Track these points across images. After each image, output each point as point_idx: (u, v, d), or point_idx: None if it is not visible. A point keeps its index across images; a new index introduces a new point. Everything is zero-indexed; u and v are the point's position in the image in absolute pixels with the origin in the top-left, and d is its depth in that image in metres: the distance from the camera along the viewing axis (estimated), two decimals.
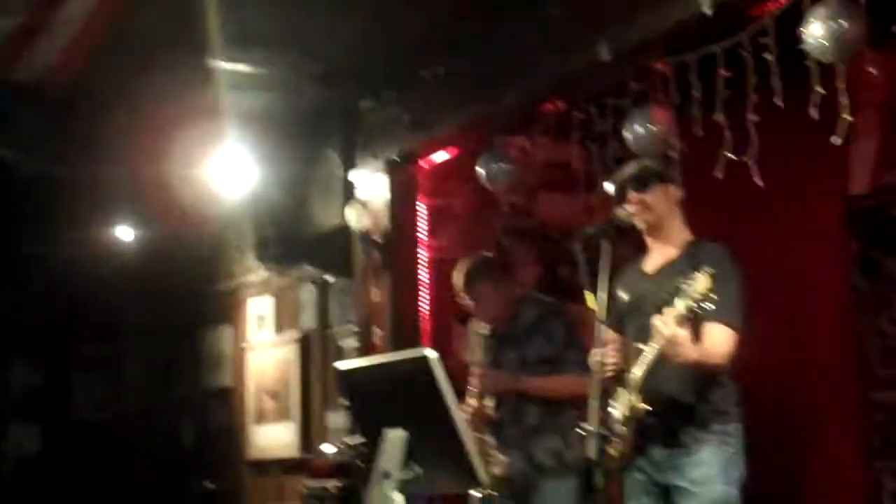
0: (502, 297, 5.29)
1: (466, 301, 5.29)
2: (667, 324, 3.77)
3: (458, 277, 5.30)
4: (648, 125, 5.20)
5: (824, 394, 6.32)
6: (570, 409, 5.17)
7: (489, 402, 5.22)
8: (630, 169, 4.30)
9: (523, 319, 5.27)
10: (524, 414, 5.18)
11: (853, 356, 6.27)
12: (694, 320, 3.84)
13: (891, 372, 6.12)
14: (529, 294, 5.47)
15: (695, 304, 3.68)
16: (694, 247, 4.22)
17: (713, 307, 3.70)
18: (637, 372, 4.04)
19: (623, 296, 4.26)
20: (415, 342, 6.29)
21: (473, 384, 5.18)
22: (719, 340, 3.99)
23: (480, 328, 5.32)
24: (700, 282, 3.67)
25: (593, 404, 3.79)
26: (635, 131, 5.24)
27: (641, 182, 4.23)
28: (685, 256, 4.19)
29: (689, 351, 3.83)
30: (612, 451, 4.15)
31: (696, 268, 4.03)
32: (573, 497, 5.14)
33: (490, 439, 5.26)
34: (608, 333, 4.11)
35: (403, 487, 3.54)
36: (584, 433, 3.81)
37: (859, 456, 6.18)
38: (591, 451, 3.72)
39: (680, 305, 3.73)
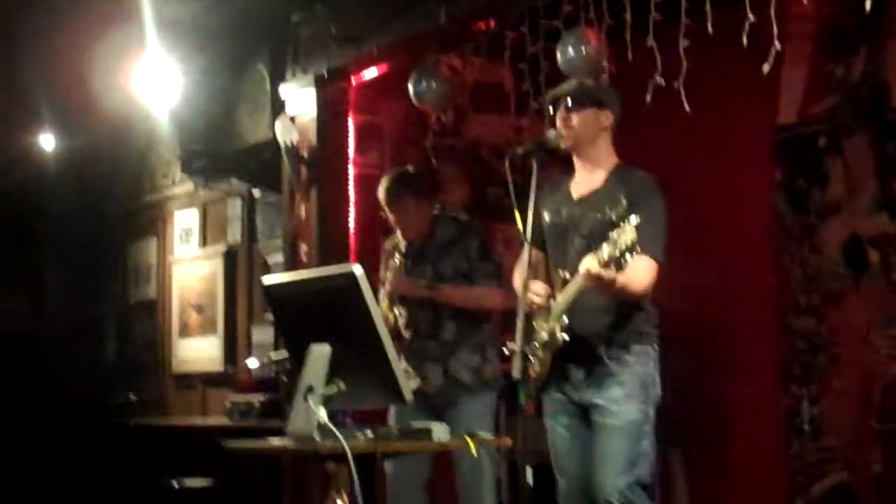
0: (423, 213, 5.31)
1: (387, 214, 5.30)
2: (592, 267, 3.82)
3: (381, 190, 5.30)
4: (580, 47, 5.20)
5: (746, 320, 6.42)
6: (487, 326, 5.23)
7: (399, 312, 5.24)
8: (566, 86, 4.30)
9: (439, 237, 5.30)
10: (442, 328, 5.22)
11: (775, 283, 6.37)
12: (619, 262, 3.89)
13: (811, 299, 6.23)
14: (445, 213, 5.50)
15: (618, 255, 3.72)
16: (621, 174, 4.23)
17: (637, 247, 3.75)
18: (559, 301, 4.08)
19: (547, 219, 4.27)
20: (341, 259, 6.29)
21: (385, 289, 5.21)
22: (642, 272, 4.04)
23: (397, 241, 5.34)
24: (628, 233, 3.71)
25: (518, 324, 3.82)
26: (567, 53, 5.24)
27: (575, 101, 4.23)
28: (611, 184, 4.20)
29: (611, 281, 3.88)
30: (531, 372, 4.19)
31: (622, 197, 4.07)
32: (490, 412, 5.21)
33: (403, 351, 5.29)
34: (534, 254, 4.13)
35: (327, 402, 3.56)
36: (508, 352, 3.85)
37: (778, 381, 6.31)
38: (516, 370, 3.75)
39: (605, 253, 3.77)
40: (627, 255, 3.71)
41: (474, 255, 5.23)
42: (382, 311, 5.21)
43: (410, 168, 5.62)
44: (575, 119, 4.22)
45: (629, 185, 4.14)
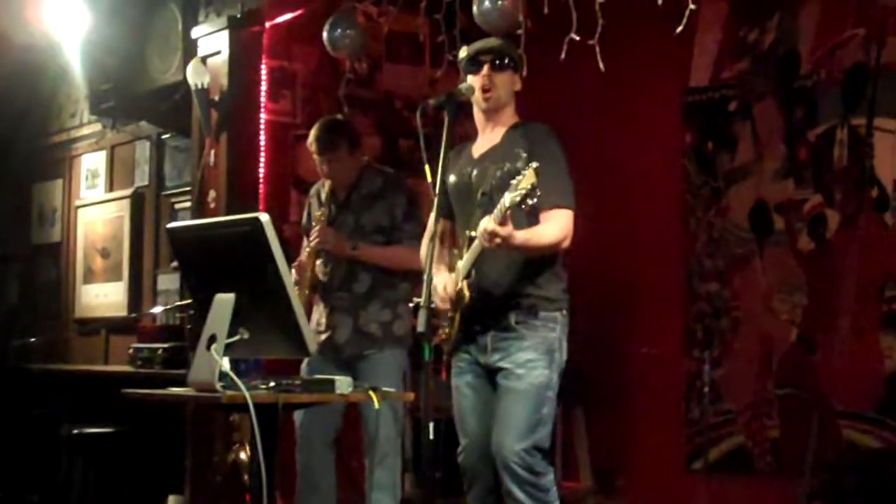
0: (354, 163, 5.25)
1: (318, 162, 5.22)
2: (486, 225, 3.80)
3: (313, 138, 5.21)
4: (497, 0, 5.16)
5: (654, 282, 6.48)
6: (402, 283, 5.20)
7: (320, 264, 5.20)
8: (491, 42, 4.26)
9: (364, 188, 5.24)
10: (356, 280, 5.17)
11: (681, 246, 6.43)
12: (528, 214, 3.87)
13: (715, 263, 6.30)
14: (373, 164, 5.43)
15: (519, 199, 3.70)
16: (518, 128, 4.22)
17: (540, 196, 3.72)
18: (464, 261, 4.06)
19: (451, 179, 4.24)
20: (250, 207, 6.20)
21: (309, 242, 5.15)
22: (550, 224, 4.02)
23: (324, 190, 5.28)
24: (527, 178, 3.69)
25: (426, 279, 3.79)
26: (483, 6, 5.19)
27: (499, 61, 4.19)
28: (509, 138, 4.19)
29: (511, 236, 3.85)
30: (442, 333, 4.19)
31: (520, 149, 4.05)
32: (399, 369, 5.18)
33: (316, 303, 5.26)
34: (441, 221, 4.10)
35: (230, 351, 3.52)
36: (413, 306, 3.82)
37: (681, 344, 6.38)
38: (421, 324, 3.73)
39: (506, 201, 3.75)
40: (529, 200, 3.70)
41: (399, 214, 5.17)
42: (304, 262, 5.15)
43: (341, 116, 5.55)
44: (499, 79, 4.19)
45: (526, 137, 4.14)
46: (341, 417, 5.27)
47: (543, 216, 4.02)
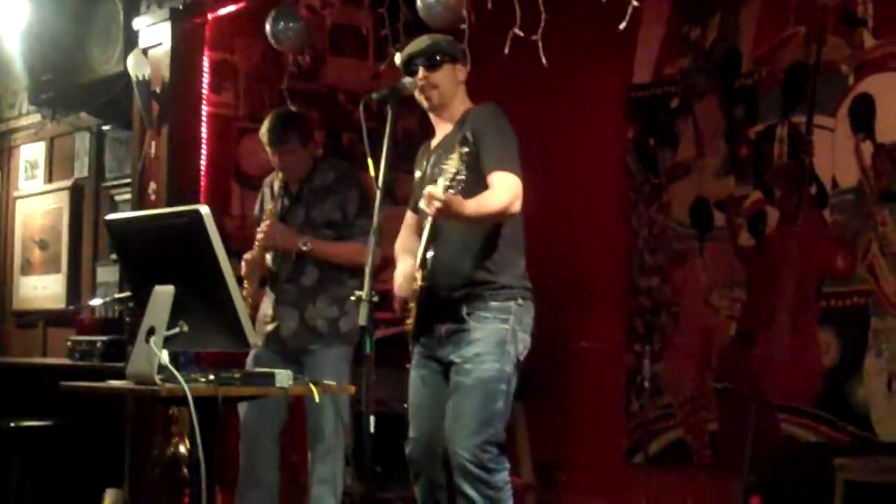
0: (306, 155, 5.22)
1: (271, 155, 5.18)
2: (431, 193, 3.80)
3: (265, 130, 5.18)
4: None
5: (595, 277, 6.51)
6: (350, 279, 5.18)
7: (269, 257, 5.17)
8: (420, 45, 4.23)
9: (317, 181, 5.22)
10: (303, 273, 5.15)
11: (623, 242, 6.46)
12: (473, 182, 3.89)
13: (656, 259, 6.34)
14: (327, 157, 5.41)
15: (451, 179, 3.74)
16: (466, 113, 4.23)
17: (484, 163, 3.77)
18: (419, 250, 4.05)
19: (417, 174, 4.28)
20: (191, 199, 6.16)
21: (259, 236, 5.11)
22: (495, 189, 4.01)
23: (276, 183, 5.25)
24: (455, 159, 3.73)
25: (368, 272, 3.78)
26: (427, 0, 5.20)
27: (431, 61, 4.18)
28: (459, 125, 4.20)
29: (461, 206, 3.85)
30: (406, 324, 4.19)
31: (468, 133, 4.06)
32: (346, 364, 5.17)
33: (267, 295, 5.23)
34: (409, 216, 4.12)
35: (169, 344, 3.50)
36: (354, 299, 3.80)
37: (622, 339, 6.41)
38: (363, 317, 3.71)
39: (440, 183, 3.77)
40: (460, 176, 3.74)
41: (352, 209, 5.15)
42: (254, 256, 5.11)
43: (294, 108, 5.54)
44: (437, 77, 4.18)
45: (472, 118, 4.15)
46: (286, 411, 5.25)
47: (489, 181, 4.03)
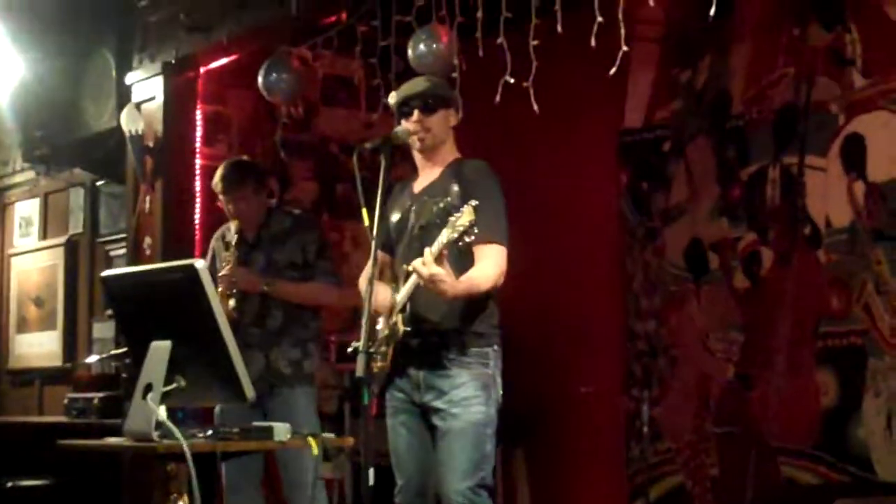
0: (261, 203, 5.27)
1: (225, 202, 5.21)
2: (427, 263, 3.79)
3: (218, 178, 5.21)
4: (432, 43, 5.19)
5: (590, 321, 6.48)
6: (312, 321, 5.23)
7: (233, 303, 5.15)
8: (418, 87, 4.24)
9: (275, 227, 5.26)
10: (269, 315, 5.17)
11: (619, 286, 6.45)
12: (461, 249, 3.86)
13: (652, 302, 6.33)
14: (280, 206, 5.47)
15: (456, 236, 3.71)
16: (455, 164, 4.22)
17: (477, 231, 3.74)
18: (401, 295, 4.05)
19: (393, 218, 4.25)
20: (186, 253, 6.16)
21: (220, 284, 5.11)
22: (488, 264, 4.02)
23: (230, 233, 5.26)
24: (465, 215, 3.70)
25: (363, 321, 3.77)
26: (418, 49, 5.22)
27: (426, 104, 4.19)
28: (446, 174, 4.19)
29: (453, 287, 3.86)
30: (374, 368, 4.14)
31: (456, 185, 4.06)
32: (311, 406, 5.22)
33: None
34: (381, 256, 4.08)
35: (166, 400, 3.48)
36: (351, 350, 3.79)
37: (620, 383, 6.39)
38: (359, 368, 3.70)
39: (444, 237, 3.75)
40: (466, 237, 3.71)
41: (312, 251, 5.20)
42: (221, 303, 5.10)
43: (246, 157, 5.59)
44: (432, 122, 4.18)
45: (462, 172, 4.14)
46: (264, 458, 5.25)
47: (477, 251, 4.02)
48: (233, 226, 5.24)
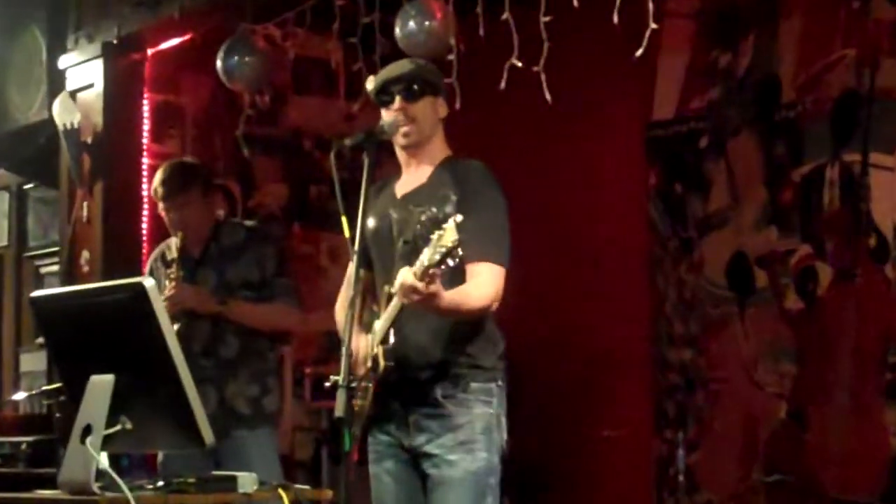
0: (208, 212, 5.27)
1: (165, 211, 5.22)
2: (405, 279, 3.78)
3: (158, 181, 5.22)
4: (423, 20, 5.21)
5: (613, 351, 6.49)
6: (270, 352, 5.27)
7: (177, 327, 5.15)
8: (400, 69, 4.25)
9: (226, 240, 5.27)
10: (222, 343, 5.17)
11: (648, 308, 6.46)
12: (452, 270, 3.85)
13: (688, 328, 6.34)
14: (230, 218, 5.48)
15: (438, 258, 3.69)
16: (448, 165, 4.20)
17: (470, 247, 3.73)
18: (382, 323, 4.04)
19: (370, 223, 4.23)
20: (131, 269, 6.16)
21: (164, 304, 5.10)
22: (480, 284, 4.01)
23: (171, 251, 5.27)
24: (448, 233, 3.67)
25: (344, 353, 3.78)
26: (407, 27, 5.24)
27: (410, 90, 4.20)
28: (437, 177, 4.17)
29: (439, 301, 3.85)
30: (356, 405, 4.14)
31: (450, 193, 4.06)
32: (272, 450, 5.23)
33: None
34: (361, 273, 4.08)
35: (109, 445, 3.49)
36: (329, 386, 3.80)
37: (650, 424, 6.40)
38: (339, 408, 3.71)
39: (424, 258, 3.74)
40: (450, 261, 3.68)
41: (270, 269, 5.21)
42: None
43: (191, 158, 5.61)
44: (416, 110, 4.19)
45: (457, 177, 4.12)
46: None
47: (470, 270, 4.00)
48: (173, 242, 5.25)
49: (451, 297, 3.89)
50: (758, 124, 6.12)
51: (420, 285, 3.72)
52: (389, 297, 4.00)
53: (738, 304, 6.16)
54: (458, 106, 4.41)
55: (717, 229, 6.26)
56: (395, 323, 4.01)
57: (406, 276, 3.75)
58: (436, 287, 3.76)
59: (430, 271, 3.71)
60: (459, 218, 3.66)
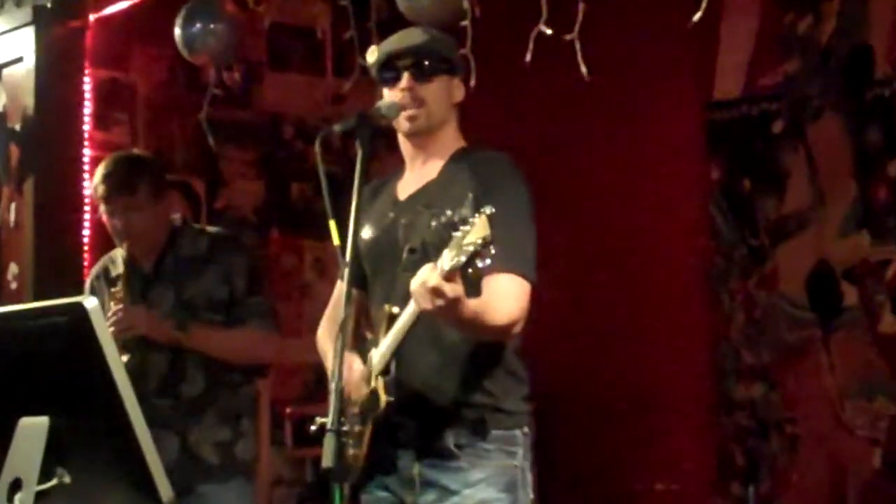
0: (159, 215, 5.25)
1: (107, 215, 5.22)
2: (428, 279, 3.73)
3: (99, 178, 5.21)
4: None
5: (667, 386, 6.50)
6: (244, 386, 5.27)
7: (127, 359, 5.15)
8: (409, 40, 4.26)
9: (184, 252, 5.26)
10: (184, 379, 5.17)
11: (709, 332, 6.47)
12: (470, 279, 3.82)
13: (759, 356, 6.35)
14: (190, 224, 5.47)
15: (465, 259, 3.66)
16: (462, 158, 4.19)
17: (493, 253, 3.69)
18: (382, 350, 4.04)
19: (367, 235, 4.22)
20: (71, 286, 6.19)
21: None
22: (505, 296, 3.99)
23: (115, 265, 5.29)
24: (479, 229, 3.64)
25: (334, 388, 3.79)
26: None
27: (421, 66, 4.20)
28: (449, 173, 4.15)
29: (461, 308, 3.82)
30: (347, 454, 4.14)
31: (466, 191, 4.05)
32: (243, 501, 5.28)
33: None
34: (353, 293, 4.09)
35: (44, 502, 3.52)
36: (316, 428, 3.82)
37: (713, 475, 6.41)
38: (327, 456, 3.72)
39: (446, 260, 3.71)
40: (479, 262, 3.66)
41: (241, 285, 5.19)
42: None
43: (140, 150, 5.62)
44: (428, 92, 4.19)
45: (476, 172, 4.09)
46: None
47: (489, 283, 3.98)
48: (119, 255, 5.26)
49: (475, 306, 3.87)
50: (845, 105, 6.14)
51: (447, 287, 3.68)
52: (391, 319, 4.00)
53: (822, 328, 6.18)
54: (472, 83, 4.42)
55: (794, 235, 6.28)
56: (399, 350, 4.02)
57: (428, 275, 3.68)
58: (460, 290, 3.73)
59: (454, 274, 3.69)
60: (490, 210, 3.62)
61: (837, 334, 6.14)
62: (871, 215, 6.05)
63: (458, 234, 3.63)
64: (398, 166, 4.31)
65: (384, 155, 4.35)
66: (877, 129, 6.04)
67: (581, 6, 4.80)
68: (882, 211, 6.01)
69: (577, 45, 4.82)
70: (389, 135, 4.23)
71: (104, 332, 3.48)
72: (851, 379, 6.08)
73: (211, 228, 5.50)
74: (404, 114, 4.12)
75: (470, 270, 3.63)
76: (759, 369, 6.37)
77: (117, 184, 5.14)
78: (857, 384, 6.06)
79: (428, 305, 3.70)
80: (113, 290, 5.20)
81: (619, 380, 6.45)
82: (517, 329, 4.02)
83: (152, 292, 5.21)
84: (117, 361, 3.50)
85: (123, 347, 5.07)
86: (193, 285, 5.19)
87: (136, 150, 5.68)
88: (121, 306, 5.08)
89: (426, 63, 4.15)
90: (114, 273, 5.27)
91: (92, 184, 5.27)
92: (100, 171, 5.21)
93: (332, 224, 3.83)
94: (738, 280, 6.43)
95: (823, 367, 6.18)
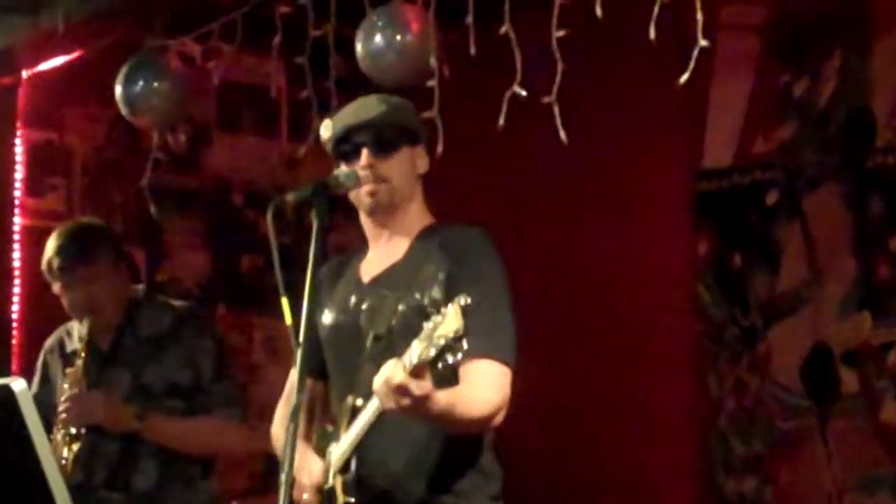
0: (118, 287, 5.23)
1: (60, 288, 5.20)
2: (393, 375, 3.71)
3: (52, 250, 5.19)
4: (394, 33, 5.23)
5: (652, 477, 6.49)
6: (202, 480, 5.24)
7: (76, 449, 5.13)
8: (367, 111, 4.23)
9: (145, 328, 5.23)
10: (135, 471, 5.13)
11: (696, 421, 6.47)
12: (441, 374, 3.80)
13: (751, 447, 6.34)
14: (155, 296, 5.43)
15: (435, 353, 3.64)
16: (431, 236, 4.17)
17: (468, 342, 3.67)
18: (343, 446, 4.02)
19: (327, 321, 4.21)
20: None
21: (58, 421, 5.07)
22: (483, 386, 3.98)
23: (71, 340, 5.26)
24: (450, 320, 3.62)
25: (284, 480, 3.76)
26: (372, 42, 5.26)
27: (382, 140, 4.18)
28: (417, 253, 4.14)
29: (430, 406, 3.81)
30: None
31: (437, 271, 4.03)
32: None
33: None
34: (309, 384, 4.07)
35: None
36: None
37: None
38: None
39: (413, 354, 3.69)
40: (450, 357, 3.64)
41: (207, 370, 5.16)
42: (55, 450, 5.06)
43: (91, 218, 5.60)
44: (390, 168, 4.17)
45: (445, 250, 4.07)
46: None
47: (467, 369, 3.96)
48: (76, 328, 5.23)
49: (447, 399, 3.85)
50: (845, 174, 6.15)
51: (413, 384, 3.65)
52: (354, 412, 3.97)
53: (819, 416, 6.18)
54: (440, 151, 4.41)
55: (789, 315, 6.28)
56: (360, 447, 3.99)
57: (393, 371, 3.66)
58: (428, 387, 3.71)
59: (423, 368, 3.66)
60: (465, 300, 3.60)
61: (836, 423, 6.13)
62: (872, 294, 6.06)
63: (429, 324, 3.61)
64: (358, 238, 4.30)
65: (343, 224, 4.33)
66: (879, 200, 6.05)
67: (560, 66, 4.79)
68: (884, 290, 6.02)
69: (556, 109, 4.81)
70: (348, 205, 4.22)
71: (33, 416, 3.46)
72: (851, 472, 6.07)
73: (176, 303, 5.44)
74: (365, 189, 4.09)
75: (440, 365, 3.62)
76: (750, 461, 6.36)
77: (75, 254, 5.13)
78: (857, 478, 6.06)
79: (392, 405, 3.69)
80: (69, 369, 5.16)
81: (599, 470, 6.44)
82: (499, 419, 4.00)
83: (108, 374, 5.18)
84: (46, 451, 3.48)
85: (74, 437, 5.05)
86: (153, 368, 5.16)
87: (86, 218, 5.64)
88: (76, 391, 5.05)
89: (386, 136, 4.12)
90: (69, 348, 5.25)
91: (44, 258, 5.21)
92: (53, 243, 5.19)
93: (285, 302, 3.81)
94: (727, 363, 6.43)
95: (820, 459, 6.17)
